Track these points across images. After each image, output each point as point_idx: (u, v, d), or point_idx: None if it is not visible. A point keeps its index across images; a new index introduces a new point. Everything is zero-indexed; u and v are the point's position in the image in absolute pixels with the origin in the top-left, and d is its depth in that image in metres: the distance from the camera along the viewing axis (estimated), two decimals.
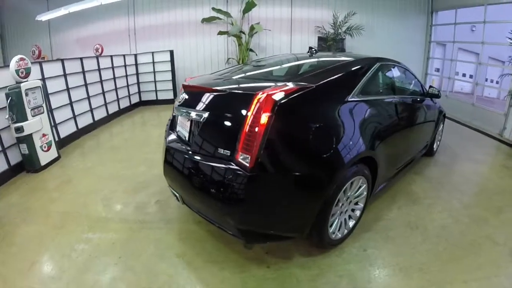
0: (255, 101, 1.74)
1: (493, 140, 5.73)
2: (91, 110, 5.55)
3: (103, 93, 5.95)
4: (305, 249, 2.32)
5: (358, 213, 2.49)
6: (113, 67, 6.36)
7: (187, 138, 2.22)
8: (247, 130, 1.72)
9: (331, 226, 2.18)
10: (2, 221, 2.73)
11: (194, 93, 2.27)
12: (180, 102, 2.35)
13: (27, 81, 3.77)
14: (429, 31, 8.68)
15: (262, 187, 1.76)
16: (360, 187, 2.35)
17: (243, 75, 2.64)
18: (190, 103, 2.21)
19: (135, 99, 7.32)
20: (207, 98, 2.10)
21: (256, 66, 3.03)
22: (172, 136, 2.44)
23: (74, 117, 5.08)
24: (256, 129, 1.69)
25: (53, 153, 4.13)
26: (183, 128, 2.32)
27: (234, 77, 2.48)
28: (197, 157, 2.01)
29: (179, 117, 2.40)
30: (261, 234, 1.93)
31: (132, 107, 7.14)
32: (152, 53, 7.43)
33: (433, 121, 4.09)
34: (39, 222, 2.73)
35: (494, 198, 3.37)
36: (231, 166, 1.75)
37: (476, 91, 7.43)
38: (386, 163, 2.75)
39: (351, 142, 2.10)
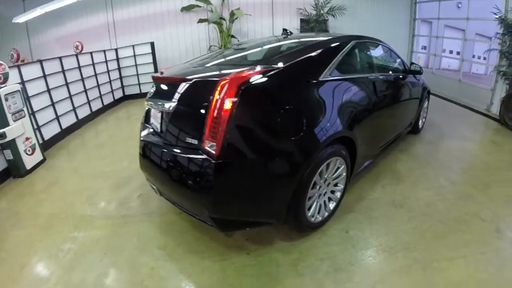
0: (219, 87, 1.72)
1: (480, 116, 5.75)
2: (74, 109, 5.53)
3: (85, 91, 5.92)
4: (286, 233, 2.33)
5: (338, 194, 2.47)
6: (93, 64, 6.30)
7: (159, 130, 2.22)
8: (212, 117, 1.70)
9: (309, 209, 2.18)
10: None
11: (163, 84, 2.27)
12: (150, 94, 2.35)
13: (5, 86, 3.75)
14: (413, 9, 8.68)
15: (231, 174, 1.75)
16: (338, 168, 2.32)
17: (216, 61, 2.56)
18: (160, 95, 2.22)
19: (118, 94, 7.28)
20: (175, 88, 2.07)
21: (231, 52, 2.97)
22: (147, 130, 2.45)
23: (57, 117, 5.07)
24: (221, 116, 1.67)
25: (38, 156, 4.15)
26: (156, 120, 2.32)
27: (206, 65, 2.43)
28: (169, 148, 2.00)
29: (152, 109, 2.40)
30: (236, 222, 1.93)
31: (116, 102, 7.12)
32: (133, 46, 7.35)
33: (417, 98, 4.05)
34: (28, 225, 2.79)
35: (481, 174, 3.36)
36: (199, 155, 1.75)
37: (463, 68, 7.44)
38: (367, 142, 2.72)
39: (323, 123, 2.06)
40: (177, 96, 2.02)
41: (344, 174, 2.41)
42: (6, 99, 3.68)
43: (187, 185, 1.84)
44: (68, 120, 5.33)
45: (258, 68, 1.89)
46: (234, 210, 1.89)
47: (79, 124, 5.62)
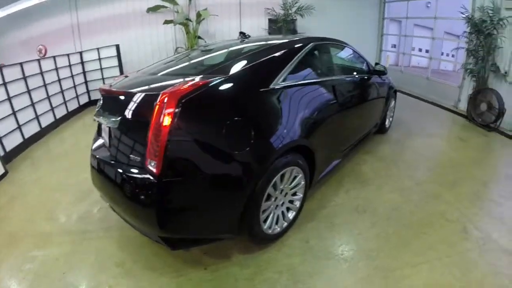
0: (159, 101, 1.63)
1: (448, 113, 5.98)
2: (37, 117, 5.41)
3: (49, 97, 5.79)
4: (244, 246, 2.28)
5: (298, 203, 2.41)
6: (57, 69, 6.14)
7: (108, 145, 2.13)
8: (151, 133, 1.62)
9: (265, 221, 2.13)
10: None
11: (109, 97, 2.16)
12: (98, 107, 2.24)
13: None
14: (382, 8, 8.94)
15: (175, 193, 1.69)
16: (295, 177, 2.27)
17: (168, 69, 2.43)
18: (107, 108, 2.11)
19: (84, 99, 7.13)
20: (120, 102, 1.97)
21: (187, 57, 2.85)
22: (98, 143, 2.37)
23: (19, 127, 4.95)
24: (160, 132, 1.59)
25: None
26: (105, 134, 2.22)
27: (158, 73, 2.31)
28: (115, 165, 1.90)
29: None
30: (186, 239, 1.90)
31: (81, 108, 6.98)
32: (98, 49, 7.19)
33: (382, 97, 4.07)
34: None
35: (448, 171, 3.40)
36: (142, 174, 1.68)
37: (431, 65, 7.71)
38: (328, 147, 2.71)
39: (275, 133, 2.01)
40: (122, 110, 1.89)
41: (303, 182, 2.35)
42: None
43: (133, 204, 1.78)
44: (31, 129, 5.21)
45: (198, 79, 1.83)
46: (183, 229, 1.81)
47: (43, 132, 5.51)
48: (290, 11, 7.95)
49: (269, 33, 8.49)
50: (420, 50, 11.67)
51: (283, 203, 2.29)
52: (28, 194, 3.63)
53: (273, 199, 2.14)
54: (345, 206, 2.80)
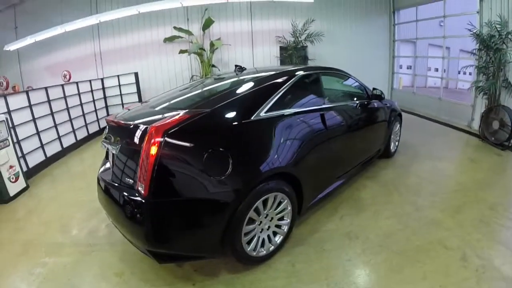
0: (148, 133, 1.88)
1: (461, 133, 5.76)
2: (59, 137, 5.81)
3: (71, 120, 6.22)
4: (233, 265, 2.34)
5: (285, 228, 2.49)
6: (79, 93, 6.62)
7: (111, 168, 2.39)
8: (141, 161, 1.87)
9: (250, 243, 2.24)
10: None
11: (112, 127, 2.40)
12: (105, 134, 2.50)
13: None
14: (392, 30, 9.01)
15: (159, 213, 1.90)
16: (280, 203, 2.37)
17: (164, 104, 2.58)
18: (111, 136, 2.36)
19: (104, 123, 7.54)
20: (120, 131, 2.25)
21: (184, 90, 3.02)
22: (104, 166, 2.62)
23: (42, 146, 5.35)
24: (148, 160, 1.83)
25: (21, 183, 4.41)
26: (110, 158, 2.50)
27: (153, 108, 2.50)
28: (115, 186, 2.17)
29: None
30: (172, 255, 2.06)
31: (101, 131, 7.39)
32: (118, 76, 7.72)
33: (384, 121, 4.04)
34: (4, 250, 3.02)
35: (452, 196, 3.23)
36: (133, 195, 1.92)
37: (449, 85, 7.56)
38: (318, 175, 2.76)
39: (254, 161, 2.16)
40: (121, 139, 2.19)
41: (289, 208, 2.44)
42: None
43: (126, 221, 2.00)
44: (53, 149, 5.60)
45: (182, 114, 2.05)
46: (166, 245, 1.99)
47: (64, 152, 5.89)
48: (299, 39, 8.23)
49: (281, 61, 8.83)
50: (436, 70, 11.54)
51: (269, 227, 2.38)
52: (46, 208, 3.90)
53: (256, 223, 2.25)
54: (338, 232, 2.75)
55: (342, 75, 3.68)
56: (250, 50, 8.70)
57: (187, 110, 2.13)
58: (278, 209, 2.38)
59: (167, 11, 7.81)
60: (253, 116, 2.28)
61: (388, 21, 8.95)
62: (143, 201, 1.86)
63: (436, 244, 2.49)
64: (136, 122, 2.15)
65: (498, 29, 5.06)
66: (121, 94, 7.79)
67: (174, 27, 7.96)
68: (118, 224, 2.20)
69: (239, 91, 2.45)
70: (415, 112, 7.55)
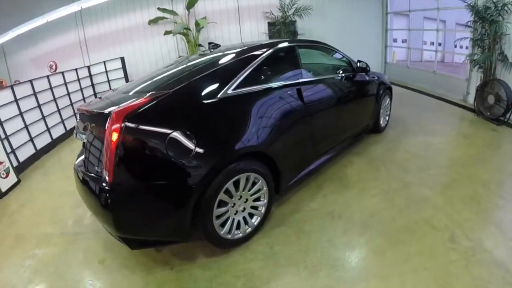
0: (109, 119, 1.83)
1: (456, 108, 5.59)
2: (48, 129, 5.83)
3: (59, 110, 6.21)
4: (211, 249, 2.33)
5: (262, 209, 2.45)
6: (65, 83, 6.57)
7: (83, 157, 2.35)
8: (105, 148, 1.84)
9: (223, 226, 2.22)
10: None
11: (82, 115, 2.36)
12: (76, 123, 2.48)
13: None
14: (385, 2, 8.74)
15: (125, 199, 1.89)
16: (254, 183, 2.31)
17: (137, 88, 2.46)
18: (82, 125, 2.31)
19: None
20: (89, 119, 2.20)
21: (158, 72, 2.85)
22: (80, 156, 2.55)
23: (32, 139, 5.37)
24: (109, 147, 1.80)
25: (12, 178, 4.47)
26: (83, 148, 2.44)
27: (127, 93, 2.38)
28: (86, 176, 2.14)
29: None
30: (143, 240, 2.07)
31: None
32: (104, 62, 7.63)
33: (372, 95, 3.94)
34: None
35: (442, 173, 3.10)
36: (101, 183, 1.90)
37: (437, 58, 7.34)
38: (296, 153, 2.70)
39: (220, 141, 2.10)
40: (89, 127, 2.16)
41: (265, 188, 2.39)
42: None
43: (98, 209, 1.98)
44: (43, 141, 5.63)
45: (142, 98, 1.99)
46: (136, 230, 2.01)
47: (54, 143, 5.93)
48: (287, 14, 8.02)
49: (269, 36, 8.63)
50: (432, 43, 11.33)
51: (244, 209, 2.34)
52: (37, 201, 3.98)
53: (229, 205, 2.21)
54: (320, 211, 2.66)
55: (323, 47, 3.55)
56: (238, 27, 8.53)
57: (149, 93, 2.07)
58: (253, 189, 2.33)
59: None
60: (219, 95, 2.21)
61: None
62: (108, 188, 1.85)
63: (422, 224, 2.37)
64: (101, 108, 2.07)
65: (494, 0, 4.86)
66: (108, 80, 7.72)
67: (158, 8, 7.77)
68: (92, 212, 2.19)
69: (204, 69, 2.37)
70: (409, 86, 7.40)
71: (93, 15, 8.11)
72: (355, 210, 2.63)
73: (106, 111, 1.93)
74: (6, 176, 4.37)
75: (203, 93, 2.18)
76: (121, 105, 1.96)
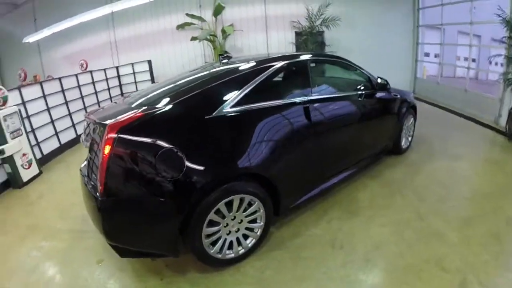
0: (105, 132, 1.85)
1: (486, 130, 5.12)
2: (74, 125, 6.07)
3: (85, 108, 6.47)
4: (202, 265, 2.28)
5: (258, 231, 2.35)
6: (93, 82, 6.85)
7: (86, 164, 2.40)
8: (98, 160, 1.88)
9: (214, 245, 2.16)
10: None
11: (87, 122, 2.37)
12: (84, 129, 2.48)
13: (5, 108, 4.30)
14: (416, 15, 8.34)
15: (113, 210, 1.92)
16: (251, 204, 2.23)
17: (140, 100, 2.40)
18: (87, 132, 2.36)
19: None
20: (91, 127, 2.23)
21: (161, 84, 2.78)
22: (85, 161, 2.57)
23: (57, 134, 5.63)
24: (102, 159, 1.81)
25: (34, 170, 4.68)
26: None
27: (130, 104, 2.34)
28: (87, 182, 2.17)
29: None
30: (131, 250, 2.07)
31: None
32: (132, 64, 7.91)
33: (392, 114, 3.69)
34: (9, 233, 3.26)
35: (463, 204, 2.81)
36: (95, 192, 1.93)
37: (469, 75, 6.83)
38: (301, 175, 2.57)
39: (211, 161, 2.03)
40: (91, 135, 2.20)
41: (262, 210, 2.29)
42: (5, 120, 4.22)
43: (92, 214, 2.07)
44: (67, 136, 5.87)
45: (137, 112, 1.99)
46: (124, 240, 2.03)
47: (79, 139, 6.15)
48: (315, 24, 7.92)
49: (296, 46, 8.57)
50: (466, 59, 10.84)
51: (238, 229, 2.26)
52: (54, 194, 4.15)
53: (221, 225, 2.15)
54: (322, 238, 2.50)
55: (340, 62, 3.34)
56: (264, 36, 8.54)
57: (144, 108, 2.07)
58: (248, 211, 2.24)
59: None
60: (215, 112, 2.12)
61: (412, 4, 8.28)
62: (99, 198, 1.88)
63: (432, 264, 2.12)
64: (102, 119, 2.10)
65: None
66: (135, 82, 7.99)
67: (187, 14, 7.94)
68: (89, 215, 2.23)
69: (204, 84, 2.30)
70: (439, 104, 6.91)
71: (124, 18, 8.43)
72: (360, 241, 2.43)
73: (104, 122, 1.95)
74: (29, 167, 4.57)
75: (197, 110, 2.12)
76: (118, 118, 1.97)
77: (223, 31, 7.68)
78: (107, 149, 1.82)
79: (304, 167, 2.63)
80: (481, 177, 3.34)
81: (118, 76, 7.84)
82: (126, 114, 2.00)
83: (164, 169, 1.89)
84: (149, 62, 8.02)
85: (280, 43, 8.55)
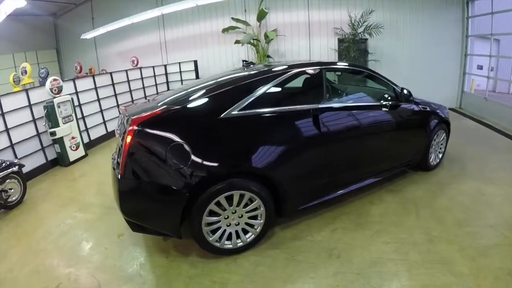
0: (129, 125, 2.16)
1: None
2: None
3: (132, 101, 7.06)
4: (205, 252, 2.43)
5: (258, 228, 2.47)
6: (142, 78, 7.44)
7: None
8: (122, 147, 2.18)
9: (214, 233, 2.34)
10: (29, 200, 3.81)
11: (122, 115, 2.64)
12: (119, 122, 2.76)
13: (59, 96, 4.91)
14: (465, 24, 7.67)
15: (129, 189, 2.21)
16: (252, 201, 2.36)
17: (165, 100, 2.56)
18: (119, 122, 2.68)
19: None
20: (123, 119, 2.50)
21: (189, 87, 2.88)
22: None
23: (104, 122, 6.23)
24: (124, 147, 2.13)
25: (80, 152, 5.25)
26: None
27: (158, 102, 2.52)
28: (113, 164, 2.49)
29: None
30: (141, 226, 2.32)
31: None
32: (179, 63, 8.40)
33: (418, 128, 3.56)
34: (52, 202, 3.75)
35: (483, 232, 2.54)
36: (117, 174, 2.24)
37: None
38: (308, 181, 2.65)
39: (216, 157, 2.22)
40: (122, 127, 2.49)
41: (263, 209, 2.41)
42: (59, 106, 4.82)
43: (114, 194, 2.36)
44: (114, 125, 6.40)
45: (156, 110, 2.26)
46: (136, 217, 2.30)
47: None
48: (357, 31, 7.75)
49: (339, 53, 8.45)
50: None
51: (238, 223, 2.41)
52: (93, 174, 4.64)
53: (222, 216, 2.33)
54: (321, 245, 2.50)
55: (360, 71, 3.40)
56: (307, 42, 8.54)
57: (164, 106, 2.33)
58: (249, 207, 2.38)
59: (225, 2, 8.11)
60: (223, 114, 2.32)
61: (461, 13, 7.65)
62: (119, 178, 2.20)
63: None
64: (131, 113, 2.35)
65: None
66: (181, 80, 8.47)
67: (232, 18, 8.22)
68: (114, 195, 2.49)
69: (218, 88, 2.50)
70: (484, 121, 6.31)
71: (174, 20, 8.94)
72: (358, 254, 2.36)
73: (131, 116, 2.23)
74: (76, 149, 5.15)
75: (207, 112, 2.36)
76: (141, 113, 2.24)
77: (266, 36, 7.83)
78: (128, 138, 2.13)
79: (310, 174, 2.68)
80: (510, 204, 2.99)
81: (166, 74, 8.40)
82: (150, 110, 2.28)
83: (173, 160, 2.15)
84: (195, 62, 8.46)
85: (322, 49, 8.51)
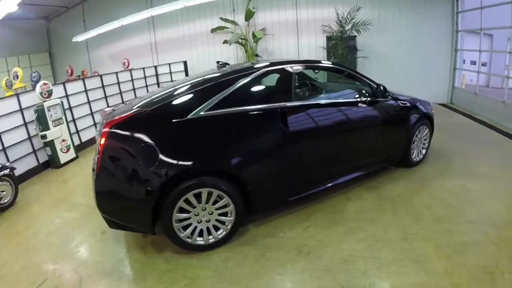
0: (103, 126, 2.32)
1: None
2: None
3: (123, 102, 7.15)
4: (179, 248, 2.53)
5: (229, 225, 2.55)
6: (132, 80, 7.55)
7: None
8: (97, 148, 2.32)
9: (185, 229, 2.44)
10: (21, 202, 3.96)
11: (101, 120, 2.68)
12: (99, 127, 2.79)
13: (49, 100, 5.02)
14: (455, 19, 7.67)
15: (104, 188, 2.35)
16: (221, 198, 2.44)
17: (139, 103, 2.62)
18: (99, 125, 2.70)
19: None
20: (101, 123, 2.55)
21: (162, 89, 3.00)
22: None
23: (95, 124, 6.34)
24: (99, 147, 2.29)
25: (71, 154, 5.38)
26: None
27: (132, 106, 2.58)
28: (93, 167, 2.52)
29: None
30: (116, 223, 2.44)
31: None
32: (169, 64, 8.50)
33: (397, 124, 3.55)
34: (43, 203, 3.89)
35: (463, 229, 2.48)
36: (94, 173, 2.37)
37: (508, 86, 6.15)
38: (276, 179, 2.72)
39: (181, 157, 2.33)
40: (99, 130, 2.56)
41: (232, 206, 2.48)
42: (49, 110, 4.94)
43: (93, 192, 2.45)
44: None
45: (130, 112, 2.37)
46: (110, 213, 2.43)
47: None
48: (345, 28, 7.82)
49: (327, 51, 8.53)
50: None
51: (209, 220, 2.50)
52: (83, 175, 4.77)
53: (192, 213, 2.42)
54: (292, 242, 2.54)
55: (332, 68, 3.45)
56: (296, 40, 8.63)
57: (137, 109, 2.44)
58: (218, 205, 2.47)
59: (214, 2, 8.18)
60: (190, 115, 2.41)
61: (450, 8, 7.65)
62: (95, 177, 2.35)
63: None
64: (106, 117, 2.50)
65: None
66: (172, 81, 8.55)
67: (221, 18, 8.32)
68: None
69: (186, 90, 2.61)
70: (475, 116, 6.38)
71: (163, 21, 9.03)
72: (328, 251, 2.38)
73: (105, 120, 2.38)
74: (67, 152, 5.27)
75: (174, 113, 2.44)
76: (115, 116, 2.37)
77: (254, 35, 7.93)
78: (102, 140, 2.28)
79: (280, 172, 2.75)
80: (496, 202, 2.89)
81: (156, 75, 8.50)
82: (123, 113, 2.40)
83: (142, 160, 2.28)
84: (185, 62, 8.58)
85: (311, 47, 8.61)
